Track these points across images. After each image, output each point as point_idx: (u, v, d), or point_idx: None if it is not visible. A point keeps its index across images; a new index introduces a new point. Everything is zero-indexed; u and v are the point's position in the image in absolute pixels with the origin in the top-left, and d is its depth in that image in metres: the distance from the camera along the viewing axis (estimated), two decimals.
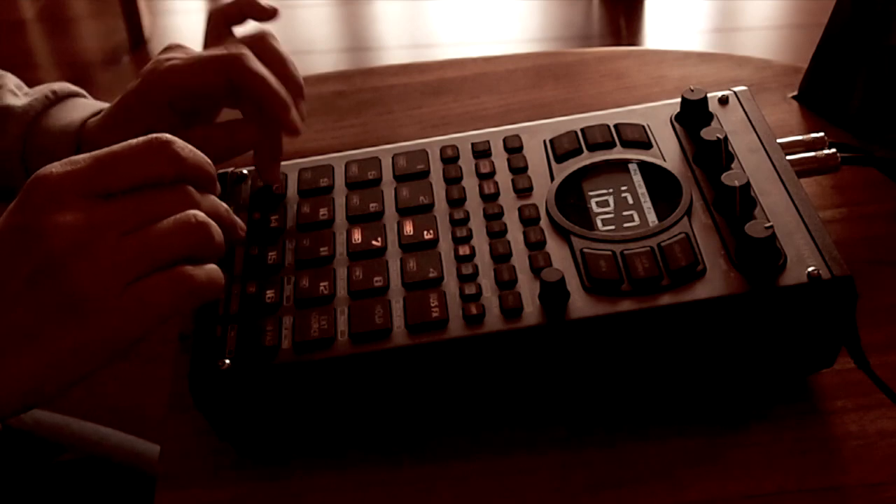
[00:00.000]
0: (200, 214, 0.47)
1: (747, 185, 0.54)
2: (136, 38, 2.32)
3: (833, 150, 0.62)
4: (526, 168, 0.60)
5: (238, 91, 0.61)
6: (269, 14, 0.67)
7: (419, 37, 2.38)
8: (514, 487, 0.53)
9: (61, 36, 2.44)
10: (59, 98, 0.69)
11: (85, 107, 0.68)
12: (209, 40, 0.66)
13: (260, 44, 0.62)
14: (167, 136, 0.48)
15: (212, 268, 0.47)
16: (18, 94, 0.69)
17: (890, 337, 0.58)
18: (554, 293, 0.51)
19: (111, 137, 0.63)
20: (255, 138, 0.61)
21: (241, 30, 0.66)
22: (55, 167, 0.46)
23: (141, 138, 0.47)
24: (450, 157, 0.61)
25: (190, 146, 0.48)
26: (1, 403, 0.45)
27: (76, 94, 0.70)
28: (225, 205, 0.51)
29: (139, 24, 2.31)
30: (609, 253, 0.53)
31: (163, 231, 0.45)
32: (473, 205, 0.58)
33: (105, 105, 0.68)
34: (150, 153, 0.47)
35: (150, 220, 0.46)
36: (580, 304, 0.51)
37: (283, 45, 0.64)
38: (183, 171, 0.48)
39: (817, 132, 0.63)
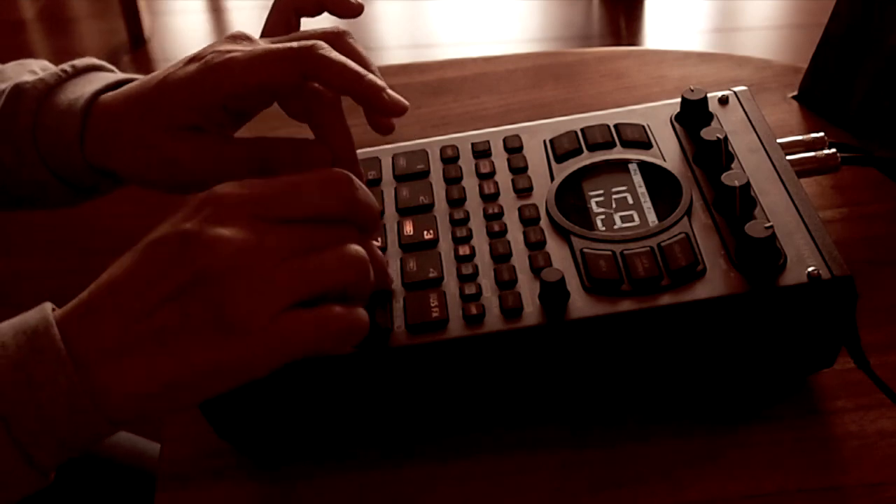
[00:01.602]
0: (361, 250, 0.45)
1: (747, 185, 0.54)
2: (136, 38, 2.32)
3: (833, 150, 0.62)
4: (526, 168, 0.60)
5: (308, 94, 0.54)
6: (354, 10, 0.58)
7: (419, 37, 2.38)
8: (514, 487, 0.53)
9: (61, 36, 2.44)
10: (77, 72, 0.63)
11: (102, 80, 0.61)
12: (270, 28, 0.58)
13: (338, 43, 0.54)
14: (347, 173, 0.46)
15: (361, 313, 0.45)
16: (39, 72, 0.63)
17: (890, 337, 0.58)
18: (554, 293, 0.51)
19: (142, 127, 0.56)
20: (327, 162, 0.54)
21: (312, 23, 0.58)
22: (233, 186, 0.44)
23: (320, 172, 0.46)
24: (450, 157, 0.61)
25: (365, 188, 0.47)
26: (118, 404, 0.43)
27: (99, 68, 0.64)
28: (382, 254, 0.51)
29: (139, 24, 2.31)
30: (609, 253, 0.53)
31: (323, 261, 0.44)
32: (473, 205, 0.58)
33: (126, 76, 0.61)
34: (328, 189, 0.46)
35: (312, 252, 0.44)
36: (580, 304, 0.51)
37: None
38: (353, 212, 0.46)
39: (817, 132, 0.63)
